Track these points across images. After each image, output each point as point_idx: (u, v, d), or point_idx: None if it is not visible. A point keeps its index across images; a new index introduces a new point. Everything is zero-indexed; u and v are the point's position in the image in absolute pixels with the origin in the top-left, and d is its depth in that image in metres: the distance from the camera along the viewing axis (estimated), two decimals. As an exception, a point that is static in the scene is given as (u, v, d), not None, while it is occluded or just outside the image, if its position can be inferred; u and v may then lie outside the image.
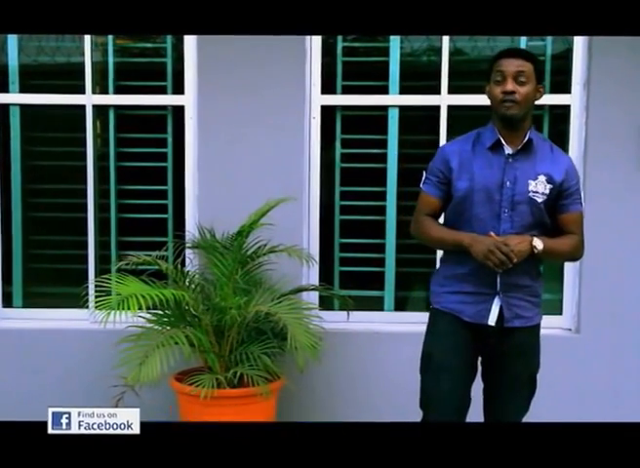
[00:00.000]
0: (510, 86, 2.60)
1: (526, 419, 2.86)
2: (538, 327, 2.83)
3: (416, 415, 2.82)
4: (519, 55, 2.65)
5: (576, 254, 2.82)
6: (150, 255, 3.66)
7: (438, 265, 2.93)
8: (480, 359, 2.82)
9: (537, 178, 2.65)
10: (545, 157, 2.70)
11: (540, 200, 2.66)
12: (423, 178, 2.80)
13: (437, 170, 2.75)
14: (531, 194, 2.65)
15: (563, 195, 2.70)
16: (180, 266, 3.74)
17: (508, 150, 2.67)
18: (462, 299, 2.73)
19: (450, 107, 4.01)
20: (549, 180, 2.66)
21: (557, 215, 2.73)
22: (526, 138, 2.67)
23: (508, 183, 2.65)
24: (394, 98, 4.09)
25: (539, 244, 2.61)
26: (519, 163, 2.67)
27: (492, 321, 2.70)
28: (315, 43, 4.04)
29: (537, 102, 2.72)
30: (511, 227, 2.65)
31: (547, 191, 2.66)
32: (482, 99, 3.99)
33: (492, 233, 2.60)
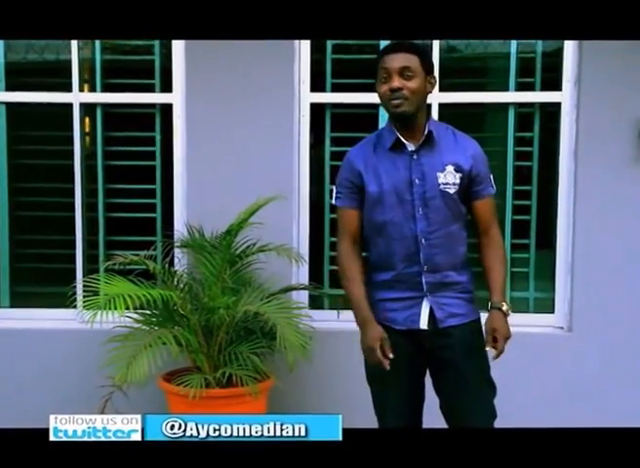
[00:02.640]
0: (396, 82, 2.50)
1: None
2: (477, 323, 2.66)
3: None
4: (402, 49, 2.54)
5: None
6: (138, 255, 3.64)
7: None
8: (428, 370, 2.69)
9: (444, 170, 2.56)
10: (449, 146, 2.61)
11: (452, 191, 2.57)
12: (335, 195, 2.68)
13: (346, 180, 2.64)
14: (442, 187, 2.56)
15: (475, 181, 2.61)
16: (168, 266, 3.71)
17: (410, 147, 2.59)
18: (390, 307, 2.64)
19: (441, 105, 3.99)
20: (458, 169, 2.58)
21: (470, 202, 2.65)
22: (426, 132, 2.58)
23: (417, 180, 2.56)
24: (384, 96, 4.05)
25: (507, 308, 2.55)
26: (424, 158, 2.58)
27: (423, 324, 2.60)
28: (304, 41, 4.01)
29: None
30: (428, 225, 2.57)
31: (458, 180, 2.57)
32: (474, 97, 4.03)
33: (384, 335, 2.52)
